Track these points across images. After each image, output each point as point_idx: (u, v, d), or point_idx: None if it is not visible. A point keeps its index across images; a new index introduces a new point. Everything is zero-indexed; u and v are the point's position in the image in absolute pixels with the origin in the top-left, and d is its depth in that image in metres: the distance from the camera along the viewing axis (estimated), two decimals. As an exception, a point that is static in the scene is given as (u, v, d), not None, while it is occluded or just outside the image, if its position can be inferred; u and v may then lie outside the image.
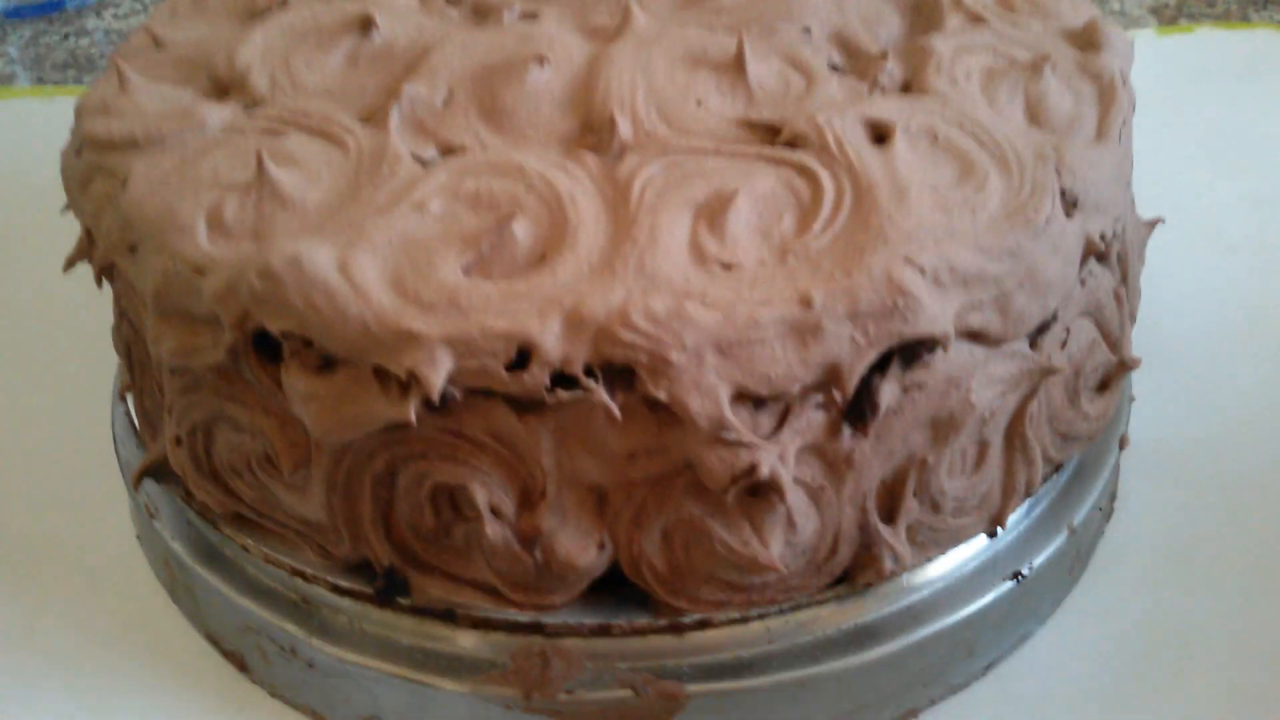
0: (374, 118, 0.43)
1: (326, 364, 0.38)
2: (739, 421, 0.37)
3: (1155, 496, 0.52)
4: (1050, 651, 0.46)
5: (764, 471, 0.36)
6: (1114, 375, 0.46)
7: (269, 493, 0.43)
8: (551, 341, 0.35)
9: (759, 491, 0.38)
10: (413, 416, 0.36)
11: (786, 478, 0.37)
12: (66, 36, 1.00)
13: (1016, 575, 0.44)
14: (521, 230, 0.38)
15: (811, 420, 0.38)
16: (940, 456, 0.40)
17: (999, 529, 0.44)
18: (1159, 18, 0.96)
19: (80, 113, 0.46)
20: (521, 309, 0.36)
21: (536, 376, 0.36)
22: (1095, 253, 0.42)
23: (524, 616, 0.41)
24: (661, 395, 0.36)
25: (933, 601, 0.43)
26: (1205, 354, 0.60)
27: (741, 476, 0.37)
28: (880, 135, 0.42)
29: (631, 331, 0.35)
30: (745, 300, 0.36)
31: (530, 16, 0.49)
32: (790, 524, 0.39)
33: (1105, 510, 0.50)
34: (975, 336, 0.39)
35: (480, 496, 0.38)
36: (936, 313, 0.37)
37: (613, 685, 0.40)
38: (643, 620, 0.41)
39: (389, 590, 0.42)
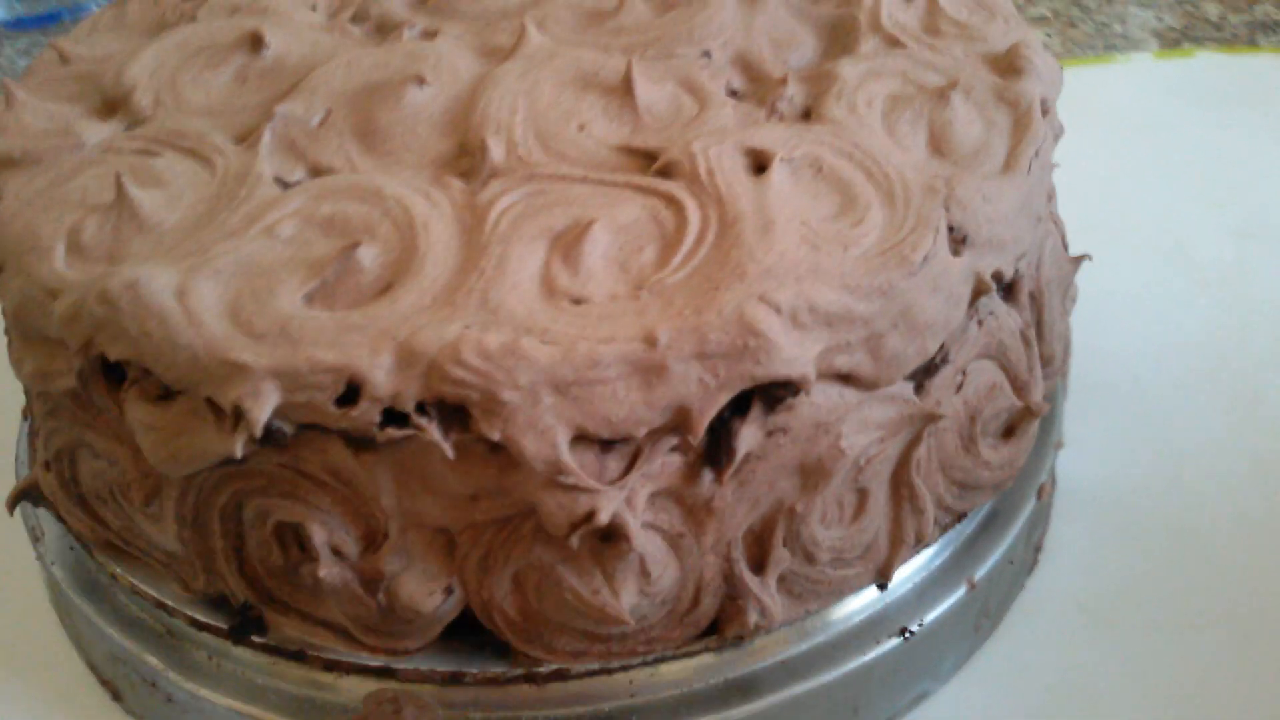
0: (248, 138, 0.42)
1: (166, 394, 0.37)
2: (580, 464, 0.35)
3: (1085, 548, 0.50)
4: (946, 713, 0.43)
5: (603, 518, 0.35)
6: (1020, 421, 0.44)
7: (132, 522, 0.42)
8: (381, 376, 0.34)
9: (610, 537, 0.36)
10: (239, 451, 0.35)
11: (634, 524, 0.36)
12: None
13: (904, 631, 0.41)
14: (368, 257, 0.37)
15: (666, 464, 0.36)
16: (811, 504, 0.38)
17: (888, 582, 0.41)
18: (1162, 41, 0.93)
19: (-30, 130, 0.45)
20: (353, 341, 0.34)
21: (366, 413, 0.34)
22: (985, 291, 0.40)
23: (376, 660, 0.39)
24: (495, 436, 0.34)
25: (811, 656, 0.40)
26: (1163, 395, 0.57)
27: (581, 522, 0.35)
28: (761, 165, 0.40)
29: (462, 368, 0.34)
30: (587, 337, 0.34)
31: (430, 35, 0.48)
32: (644, 572, 0.37)
33: (1025, 562, 0.48)
34: (845, 379, 0.37)
35: (318, 536, 0.37)
36: (793, 354, 0.35)
37: (464, 735, 0.39)
38: (498, 669, 0.39)
39: (244, 628, 0.40)
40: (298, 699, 0.40)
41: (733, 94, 0.44)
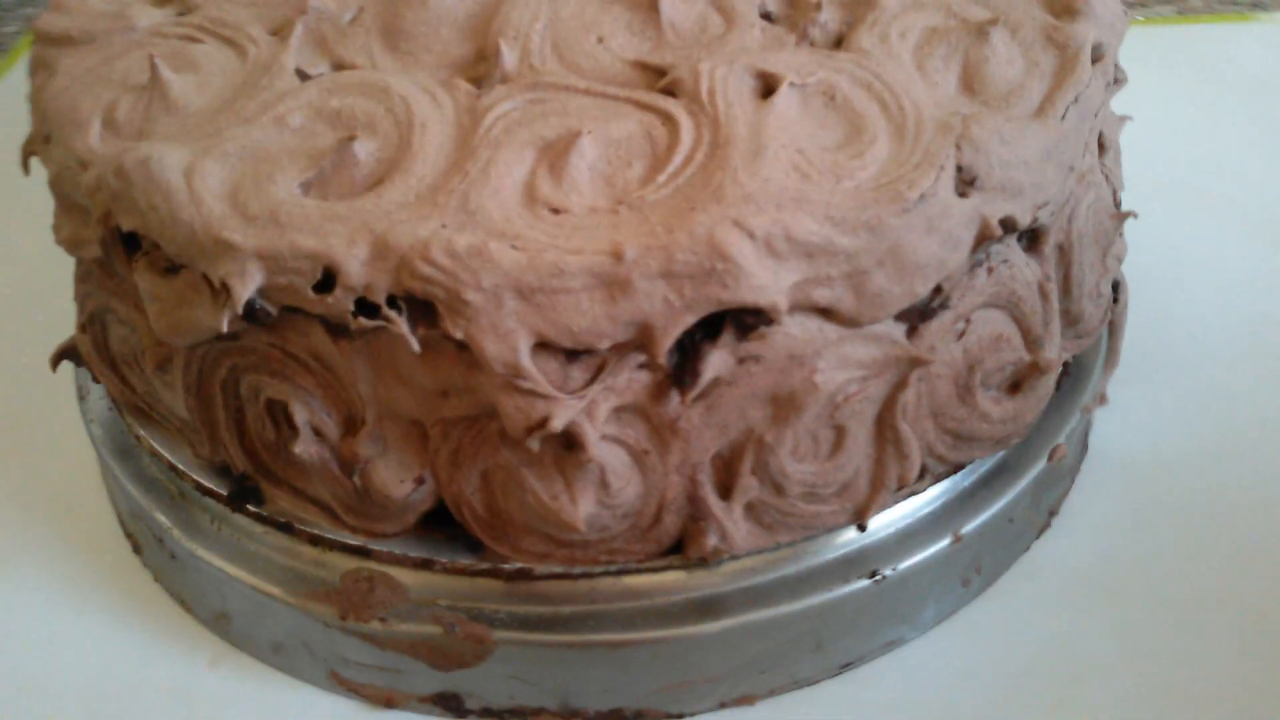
0: (282, 30, 0.43)
1: (173, 267, 0.39)
2: (543, 370, 0.35)
3: (1103, 517, 0.48)
4: (919, 662, 0.43)
5: (556, 425, 0.35)
6: (1028, 376, 0.42)
7: (151, 387, 0.44)
8: (355, 267, 0.35)
9: (572, 446, 0.37)
10: (224, 326, 0.37)
11: (591, 434, 0.36)
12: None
13: (875, 574, 0.41)
14: (363, 151, 0.38)
15: (632, 380, 0.36)
16: (782, 436, 0.38)
17: (865, 523, 0.41)
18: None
19: (49, 6, 0.48)
20: (334, 230, 0.35)
21: (340, 301, 0.35)
22: (991, 237, 0.38)
23: (356, 540, 0.41)
24: (458, 334, 0.35)
25: (776, 585, 0.40)
26: (1221, 370, 0.54)
27: (536, 427, 0.36)
28: (771, 89, 0.39)
29: (430, 265, 0.34)
30: (557, 246, 0.35)
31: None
32: (604, 484, 0.37)
33: (1031, 524, 0.46)
34: (825, 313, 0.37)
35: (300, 415, 0.38)
36: (764, 282, 0.35)
37: (425, 620, 0.40)
38: (466, 561, 0.40)
39: (241, 495, 0.43)
40: (285, 569, 0.42)
41: (766, 16, 0.43)
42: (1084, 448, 0.50)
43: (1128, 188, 0.48)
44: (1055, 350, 0.42)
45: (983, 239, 0.38)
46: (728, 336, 0.36)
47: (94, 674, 0.44)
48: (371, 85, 0.40)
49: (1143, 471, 0.50)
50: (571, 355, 0.36)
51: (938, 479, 0.42)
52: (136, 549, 0.48)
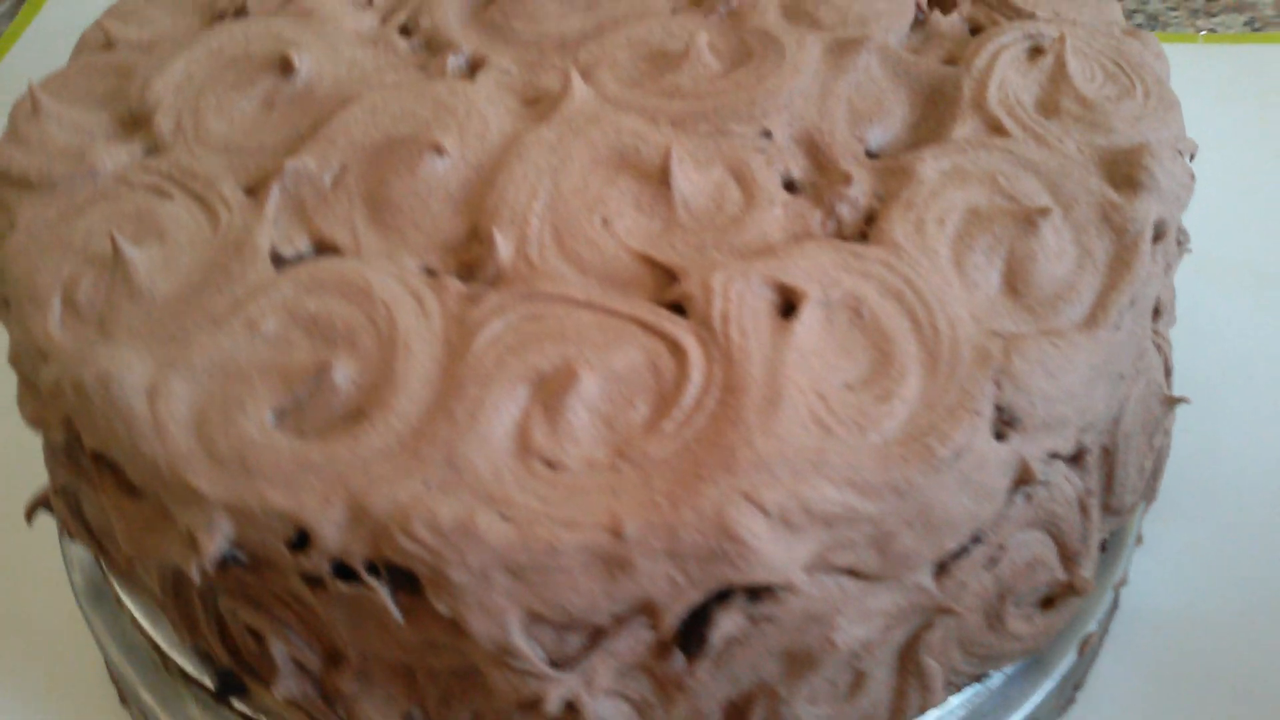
0: (259, 187, 0.39)
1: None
2: (535, 636, 0.33)
3: (1133, 685, 0.45)
4: None
5: (551, 707, 0.33)
6: (1062, 594, 0.39)
7: (132, 563, 0.42)
8: (331, 531, 0.32)
9: (570, 709, 0.34)
10: (195, 576, 0.34)
11: (590, 705, 0.33)
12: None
13: (892, 802, 0.39)
14: (342, 377, 0.34)
15: (636, 639, 0.34)
16: (796, 688, 0.35)
17: (881, 748, 0.38)
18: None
19: (8, 126, 0.44)
20: (307, 485, 0.32)
21: (316, 564, 0.33)
22: (1029, 482, 0.35)
23: (343, 746, 0.39)
24: (442, 609, 0.32)
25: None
26: (1261, 496, 0.51)
27: (529, 705, 0.33)
28: (791, 302, 0.35)
29: (411, 541, 0.31)
30: (550, 518, 0.31)
31: (477, 64, 0.43)
32: (602, 737, 0.35)
33: (1055, 709, 0.44)
34: (847, 572, 0.34)
35: (279, 651, 0.36)
36: (779, 561, 0.31)
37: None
38: (458, 783, 0.38)
39: (226, 690, 0.40)
40: (272, 762, 0.40)
41: (789, 185, 0.39)
42: (1114, 604, 0.47)
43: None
44: (1092, 567, 0.39)
45: (1021, 482, 0.35)
46: (740, 600, 0.33)
47: None
48: (352, 285, 0.36)
49: (1177, 630, 0.47)
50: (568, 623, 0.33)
51: (959, 689, 0.40)
52: (122, 699, 0.47)
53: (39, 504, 0.45)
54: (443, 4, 0.45)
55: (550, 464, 0.33)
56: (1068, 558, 0.39)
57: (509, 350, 0.34)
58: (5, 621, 0.49)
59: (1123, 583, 0.45)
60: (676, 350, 0.34)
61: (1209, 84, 0.71)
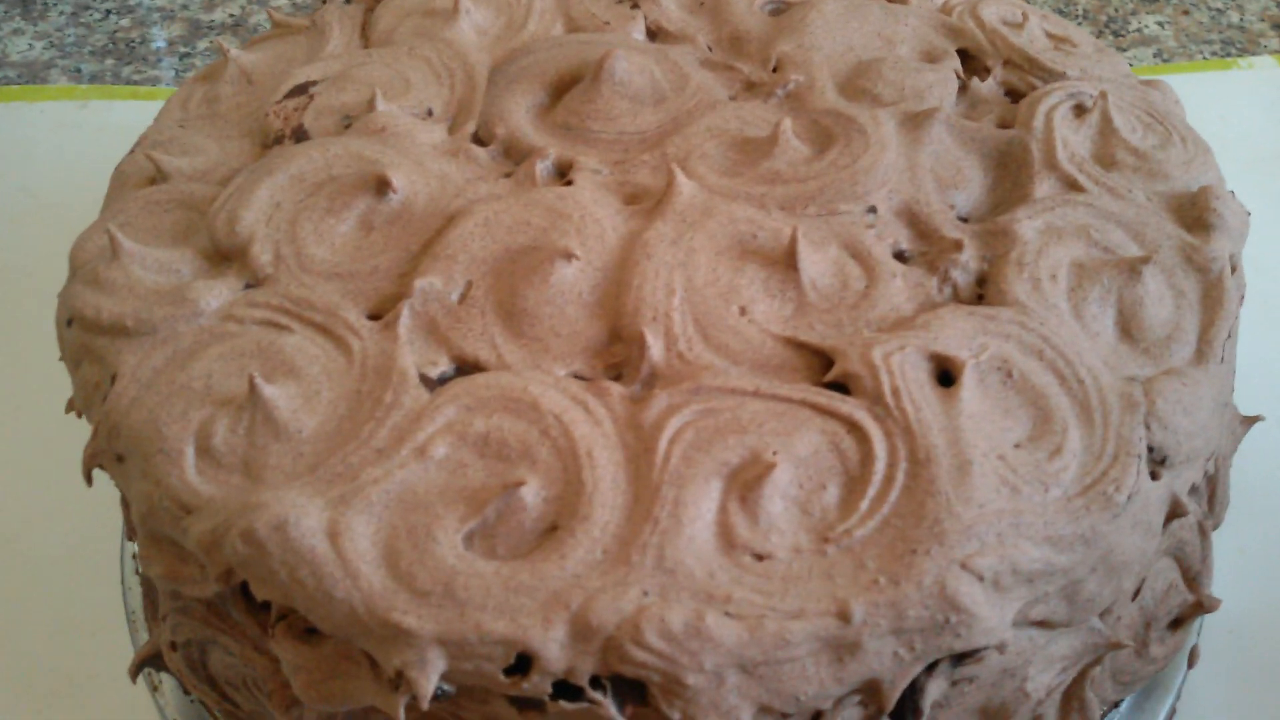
0: (383, 313, 0.39)
1: (315, 629, 0.35)
2: (763, 733, 0.33)
3: (1228, 691, 0.48)
4: None
5: (785, 794, 0.33)
6: (1189, 614, 0.41)
7: (266, 710, 0.40)
8: (555, 651, 0.32)
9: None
10: (401, 716, 0.33)
11: (813, 789, 0.34)
12: (108, 14, 0.95)
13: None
14: (531, 495, 0.34)
15: (848, 718, 0.34)
16: (989, 740, 0.36)
17: (1050, 786, 0.40)
18: (1282, 33, 0.87)
19: (73, 271, 0.42)
20: (523, 607, 0.32)
21: (537, 686, 0.32)
22: (1181, 515, 0.37)
23: None
24: (675, 716, 0.32)
25: None
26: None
27: (762, 795, 0.33)
28: (945, 369, 0.37)
29: (644, 650, 0.31)
30: (775, 610, 0.32)
31: (565, 167, 0.44)
32: (816, 817, 0.35)
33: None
34: (1038, 624, 0.35)
35: (477, 779, 0.35)
36: (994, 624, 0.33)
37: None
38: None
39: (386, 827, 0.39)
40: None
41: (899, 255, 0.41)
42: (1197, 617, 0.50)
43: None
44: (1211, 582, 0.42)
45: (1173, 516, 0.37)
46: (945, 665, 0.34)
47: None
48: (516, 400, 0.36)
49: (1255, 633, 0.50)
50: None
51: (1104, 717, 0.42)
52: None
53: (145, 661, 0.43)
54: (511, 110, 0.46)
55: (758, 556, 0.33)
56: (1190, 579, 0.41)
57: (694, 448, 0.35)
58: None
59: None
60: (855, 429, 0.35)
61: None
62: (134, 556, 0.49)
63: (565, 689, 0.33)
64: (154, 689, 0.45)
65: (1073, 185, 0.43)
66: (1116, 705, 0.42)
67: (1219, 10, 0.90)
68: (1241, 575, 0.52)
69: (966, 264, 0.40)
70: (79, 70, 0.89)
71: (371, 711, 0.36)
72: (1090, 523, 0.34)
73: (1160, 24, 0.89)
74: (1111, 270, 0.39)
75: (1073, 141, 0.44)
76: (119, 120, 0.82)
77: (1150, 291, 0.39)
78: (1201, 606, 0.41)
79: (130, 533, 0.48)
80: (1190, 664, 0.45)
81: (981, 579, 0.33)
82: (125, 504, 0.44)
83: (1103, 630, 0.37)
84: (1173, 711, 0.48)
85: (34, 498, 0.56)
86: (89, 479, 0.40)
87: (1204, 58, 0.86)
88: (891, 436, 0.35)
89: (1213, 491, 0.42)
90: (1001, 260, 0.40)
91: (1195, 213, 0.42)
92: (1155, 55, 0.87)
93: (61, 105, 0.83)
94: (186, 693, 0.43)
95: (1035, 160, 0.43)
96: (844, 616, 0.32)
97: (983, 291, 0.40)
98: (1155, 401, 0.36)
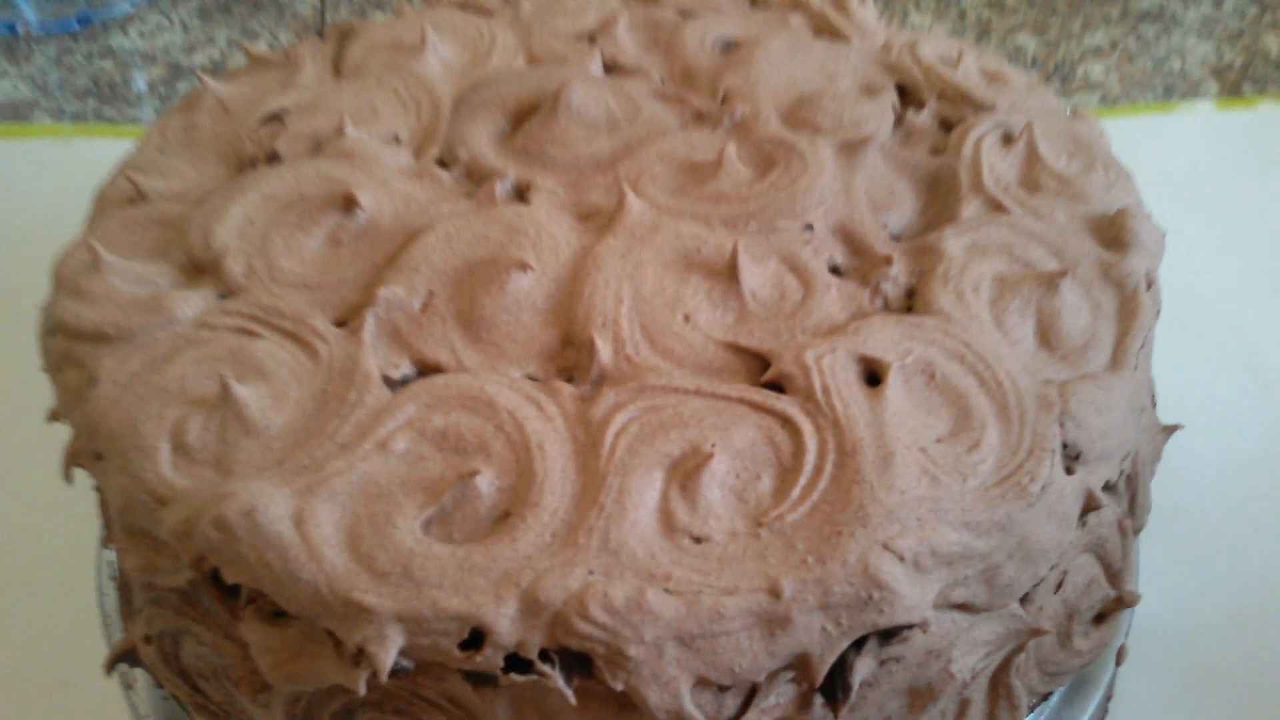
0: (349, 321, 0.42)
1: (282, 612, 0.37)
2: (698, 704, 0.35)
3: (1158, 690, 0.50)
4: None
5: (723, 763, 0.35)
6: (1112, 609, 0.44)
7: (236, 699, 0.42)
8: (506, 625, 0.34)
9: (724, 762, 0.37)
10: (362, 689, 0.35)
11: (749, 759, 0.36)
12: (90, 57, 0.98)
13: (995, 821, 0.42)
14: (485, 484, 0.36)
15: (782, 694, 0.37)
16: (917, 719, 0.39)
17: (980, 771, 0.42)
18: (1221, 82, 0.91)
19: (56, 284, 0.45)
20: (477, 585, 0.34)
21: (490, 659, 0.34)
22: (1096, 508, 0.39)
23: None
24: (618, 686, 0.34)
25: None
26: (1230, 521, 0.57)
27: (699, 764, 0.35)
28: (873, 371, 0.39)
29: (588, 623, 0.34)
30: (711, 587, 0.34)
31: (523, 188, 0.47)
32: (753, 792, 0.37)
33: (1097, 716, 0.48)
34: (960, 607, 0.37)
35: (434, 755, 0.37)
36: (915, 601, 0.35)
37: None
38: None
39: (349, 812, 0.41)
40: None
41: (834, 270, 0.44)
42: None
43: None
44: (1134, 579, 0.44)
45: (1088, 510, 0.40)
46: (872, 644, 0.36)
47: None
48: (473, 398, 0.38)
49: (1177, 639, 0.52)
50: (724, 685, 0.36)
51: (1032, 709, 0.44)
52: (211, 847, 0.46)
53: (119, 657, 0.45)
54: (473, 136, 0.49)
55: (696, 539, 0.36)
56: (1112, 575, 0.43)
57: (638, 440, 0.37)
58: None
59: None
60: (788, 424, 0.38)
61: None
62: (109, 564, 0.51)
63: (516, 663, 0.35)
64: (128, 687, 0.47)
65: (997, 207, 0.46)
66: (1046, 698, 0.45)
67: (1162, 58, 0.94)
68: (1171, 581, 0.54)
69: (896, 277, 0.43)
70: (62, 110, 0.92)
71: (336, 691, 0.38)
72: (1006, 510, 0.36)
73: (1105, 70, 0.93)
74: (1031, 283, 0.42)
75: (999, 167, 0.47)
76: (101, 156, 0.84)
77: (1068, 303, 0.42)
78: (1123, 601, 0.44)
79: (107, 538, 0.50)
80: (1118, 661, 0.47)
81: (903, 559, 0.35)
82: (104, 505, 0.46)
83: (1024, 617, 0.39)
84: (1105, 711, 0.50)
85: (11, 508, 0.58)
86: (68, 477, 0.42)
87: (1146, 102, 0.90)
88: (821, 430, 0.37)
89: (1134, 494, 0.45)
90: (929, 274, 0.43)
91: (1113, 232, 0.45)
92: (1100, 99, 0.91)
93: (44, 143, 0.86)
94: (160, 687, 0.45)
95: (963, 184, 0.46)
96: (775, 592, 0.34)
97: (911, 303, 0.43)
98: (1070, 402, 0.39)
